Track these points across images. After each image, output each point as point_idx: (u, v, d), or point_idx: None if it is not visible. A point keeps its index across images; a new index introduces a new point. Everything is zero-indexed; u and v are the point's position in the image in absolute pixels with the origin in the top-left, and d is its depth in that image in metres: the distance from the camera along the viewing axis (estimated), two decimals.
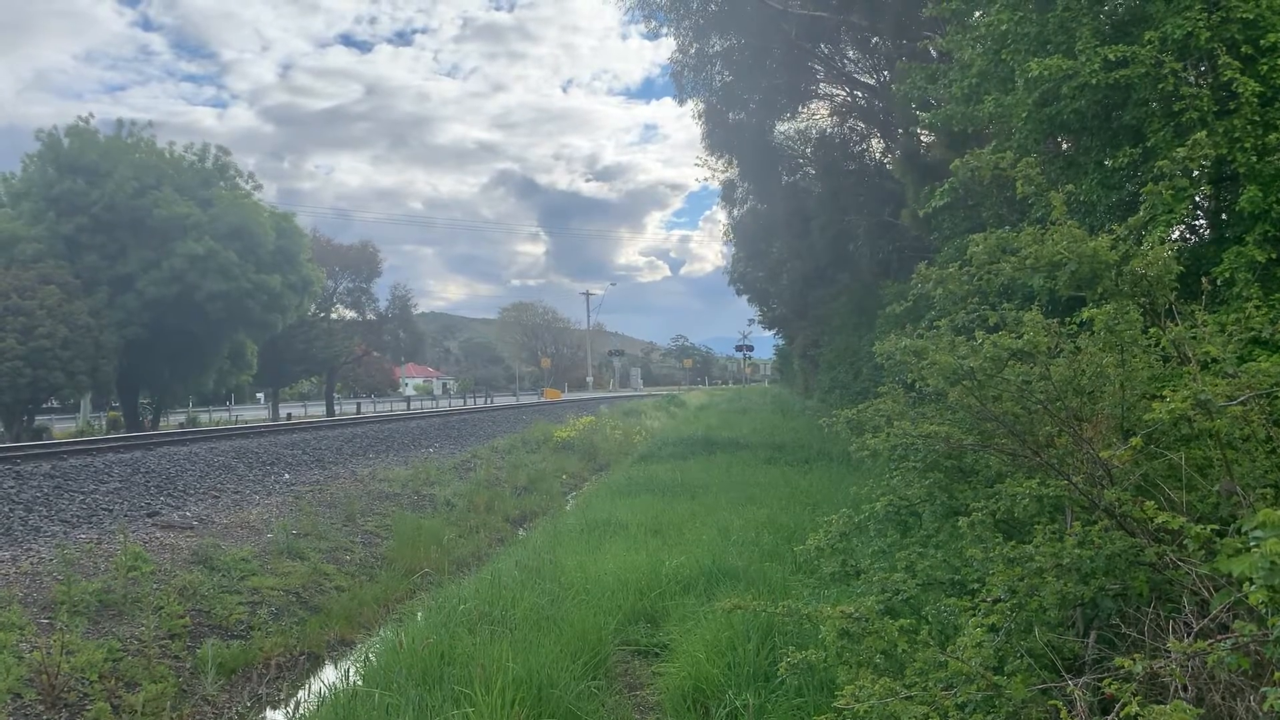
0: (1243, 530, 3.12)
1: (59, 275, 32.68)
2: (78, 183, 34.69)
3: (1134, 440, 4.37)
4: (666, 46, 26.44)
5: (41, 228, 34.39)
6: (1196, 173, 7.18)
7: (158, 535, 12.59)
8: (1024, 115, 8.60)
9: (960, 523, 5.18)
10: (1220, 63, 7.16)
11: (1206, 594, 3.88)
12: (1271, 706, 2.71)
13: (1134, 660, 3.34)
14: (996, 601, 4.35)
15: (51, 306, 31.37)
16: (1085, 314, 5.45)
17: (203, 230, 35.77)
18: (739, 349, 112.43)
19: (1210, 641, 3.31)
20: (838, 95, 28.22)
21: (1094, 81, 7.70)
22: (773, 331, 60.65)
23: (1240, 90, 7.00)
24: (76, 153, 35.35)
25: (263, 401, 69.93)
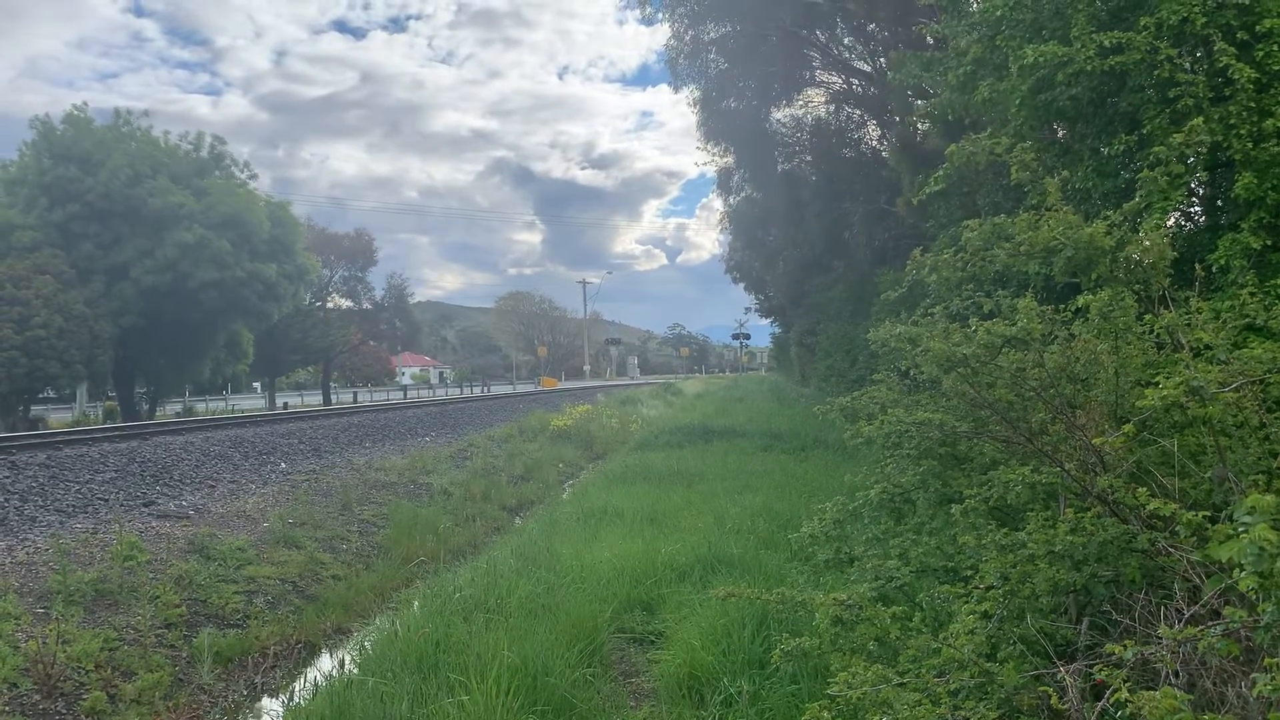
0: (1234, 517, 3.12)
1: (54, 264, 32.59)
2: (71, 170, 34.54)
3: (1127, 427, 4.37)
4: (662, 33, 26.34)
5: (36, 216, 34.27)
6: (1192, 159, 7.16)
7: (154, 525, 12.58)
8: (1019, 102, 8.57)
9: (954, 510, 5.18)
10: (1216, 49, 7.13)
11: (1198, 580, 3.89)
12: (1261, 692, 2.72)
13: (1125, 646, 3.34)
14: (989, 588, 4.35)
15: (47, 296, 31.29)
16: (1080, 301, 5.44)
17: (196, 219, 35.66)
18: (735, 337, 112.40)
19: (1201, 628, 3.31)
20: (834, 82, 28.12)
21: (1089, 68, 7.67)
22: (769, 320, 60.80)
23: (1236, 76, 6.97)
24: (71, 141, 35.20)
25: (259, 391, 69.93)
